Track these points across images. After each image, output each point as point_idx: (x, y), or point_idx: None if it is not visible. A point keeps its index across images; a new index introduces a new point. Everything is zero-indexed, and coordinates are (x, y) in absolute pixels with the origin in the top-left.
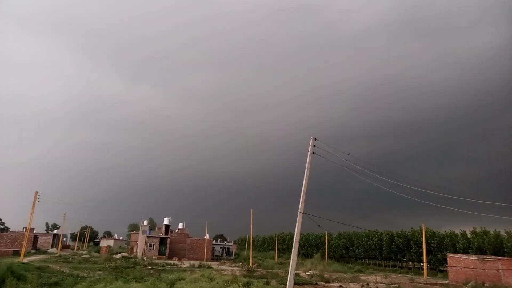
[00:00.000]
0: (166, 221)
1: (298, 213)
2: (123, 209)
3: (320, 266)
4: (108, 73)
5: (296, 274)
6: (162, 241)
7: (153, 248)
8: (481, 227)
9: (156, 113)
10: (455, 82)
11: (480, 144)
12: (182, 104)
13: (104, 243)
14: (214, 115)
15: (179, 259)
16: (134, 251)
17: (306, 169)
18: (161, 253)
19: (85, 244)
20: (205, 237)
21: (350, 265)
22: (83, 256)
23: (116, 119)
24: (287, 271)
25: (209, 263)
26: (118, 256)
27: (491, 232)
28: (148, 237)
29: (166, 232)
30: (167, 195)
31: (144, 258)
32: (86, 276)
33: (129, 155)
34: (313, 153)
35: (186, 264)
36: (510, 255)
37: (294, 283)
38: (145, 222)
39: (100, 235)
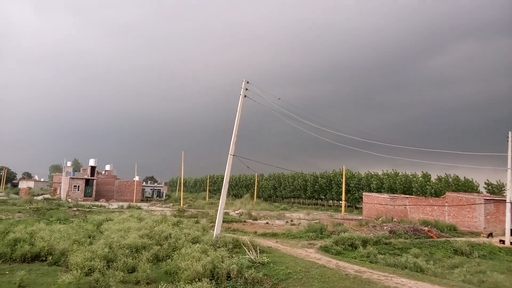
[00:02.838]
0: (92, 162)
1: (229, 155)
2: (44, 150)
3: (249, 206)
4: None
5: (226, 213)
6: (88, 182)
7: (78, 190)
8: (393, 169)
9: (73, 46)
10: (379, 31)
11: (396, 92)
12: (103, 37)
13: (23, 184)
14: (138, 51)
15: (107, 201)
16: (58, 193)
17: (237, 112)
18: (87, 195)
19: (2, 186)
20: (134, 178)
21: (277, 204)
22: (0, 198)
23: (25, 51)
24: (217, 211)
25: (138, 204)
26: (40, 197)
27: (399, 174)
28: (72, 178)
29: (92, 174)
30: (93, 137)
31: (69, 200)
32: (4, 218)
33: (43, 91)
34: (245, 96)
35: (114, 205)
36: (417, 194)
37: (223, 221)
38: (69, 163)
39: (19, 176)
